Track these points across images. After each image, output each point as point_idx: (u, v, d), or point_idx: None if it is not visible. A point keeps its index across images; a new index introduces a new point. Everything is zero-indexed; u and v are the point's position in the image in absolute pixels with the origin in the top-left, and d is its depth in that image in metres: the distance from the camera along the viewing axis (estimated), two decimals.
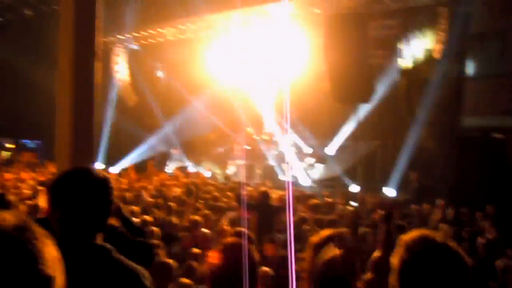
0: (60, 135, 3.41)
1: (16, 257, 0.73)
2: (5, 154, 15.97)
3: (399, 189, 11.44)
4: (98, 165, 13.02)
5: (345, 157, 13.14)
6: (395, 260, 1.31)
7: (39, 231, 0.78)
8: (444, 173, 10.96)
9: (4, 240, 0.72)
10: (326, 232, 2.23)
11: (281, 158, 14.35)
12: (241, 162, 15.04)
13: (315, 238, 2.24)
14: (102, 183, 1.60)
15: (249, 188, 10.55)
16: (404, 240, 1.32)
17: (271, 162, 14.66)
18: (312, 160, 14.58)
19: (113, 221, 2.30)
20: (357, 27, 10.34)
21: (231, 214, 6.71)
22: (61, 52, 3.42)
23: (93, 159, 3.36)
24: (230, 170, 14.57)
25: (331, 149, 14.33)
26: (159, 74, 16.77)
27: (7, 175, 10.31)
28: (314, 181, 13.38)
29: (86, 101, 3.38)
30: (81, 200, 1.55)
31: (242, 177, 14.22)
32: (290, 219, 4.28)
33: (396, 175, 11.60)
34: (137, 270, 1.56)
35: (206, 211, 6.58)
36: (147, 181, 11.26)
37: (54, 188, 1.59)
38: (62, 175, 1.62)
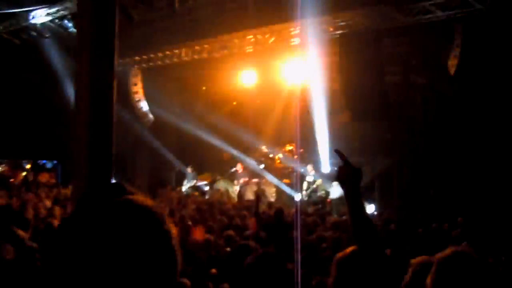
0: (77, 154, 3.43)
1: (156, 230, 0.90)
2: (23, 174, 16.17)
3: (416, 207, 11.25)
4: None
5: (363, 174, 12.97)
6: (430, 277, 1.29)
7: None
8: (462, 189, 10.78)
9: (149, 216, 0.91)
10: (350, 249, 2.19)
11: (297, 177, 14.26)
12: (255, 180, 15.00)
13: (340, 255, 2.21)
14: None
15: (263, 207, 10.49)
16: (438, 257, 1.30)
17: (287, 181, 14.59)
18: (328, 178, 14.46)
19: None
20: (371, 44, 10.36)
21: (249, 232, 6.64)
22: (79, 70, 3.47)
23: (110, 178, 3.37)
24: (243, 189, 14.52)
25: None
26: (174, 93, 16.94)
27: (26, 195, 10.42)
28: (332, 199, 13.24)
29: (104, 118, 3.40)
30: None
31: (255, 196, 14.16)
32: (297, 236, 4.23)
33: (413, 193, 11.44)
34: None
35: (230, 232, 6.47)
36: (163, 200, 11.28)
37: None
38: None
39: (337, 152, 2.09)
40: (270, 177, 15.24)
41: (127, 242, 0.86)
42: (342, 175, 2.01)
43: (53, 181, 16.20)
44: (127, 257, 0.85)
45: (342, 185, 2.01)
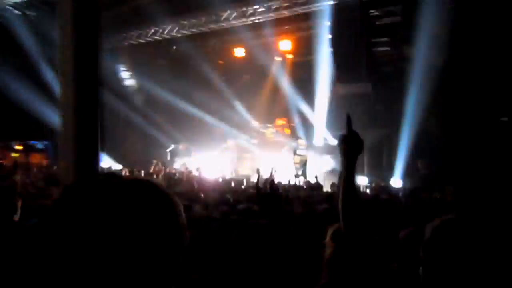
0: (65, 133, 3.42)
1: (167, 208, 0.97)
2: (14, 155, 16.07)
3: (406, 177, 11.40)
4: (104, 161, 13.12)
5: None
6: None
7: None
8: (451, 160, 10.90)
9: (161, 196, 0.97)
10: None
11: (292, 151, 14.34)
12: (247, 155, 15.07)
13: (332, 226, 2.24)
14: None
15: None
16: (429, 226, 1.32)
17: (280, 155, 14.67)
18: (320, 151, 14.58)
19: None
20: (360, 15, 10.33)
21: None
22: (62, 48, 3.42)
23: (98, 155, 3.37)
24: (235, 165, 14.59)
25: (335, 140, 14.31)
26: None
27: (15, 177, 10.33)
28: (324, 172, 13.37)
29: (91, 98, 3.38)
30: None
31: (250, 172, 14.26)
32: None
33: (402, 164, 11.56)
34: None
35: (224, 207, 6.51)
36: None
37: None
38: None
39: (348, 118, 2.00)
40: (262, 152, 15.33)
41: (141, 219, 0.92)
42: (346, 143, 1.94)
43: (45, 161, 16.14)
44: (142, 233, 0.91)
45: (343, 153, 1.93)
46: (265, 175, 11.74)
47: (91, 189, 0.94)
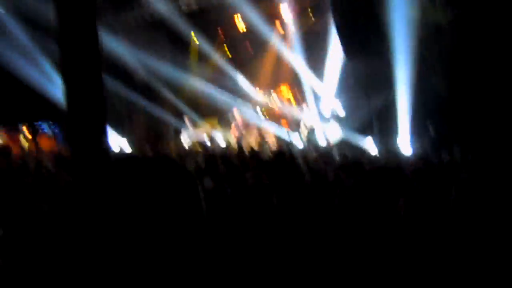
0: (71, 115, 3.39)
1: (187, 181, 1.08)
2: (22, 139, 16.05)
3: (416, 140, 11.33)
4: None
5: (360, 113, 12.98)
6: None
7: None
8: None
9: (183, 171, 1.11)
10: None
11: (297, 122, 14.27)
12: (253, 127, 15.01)
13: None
14: None
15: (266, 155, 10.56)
16: None
17: (285, 125, 14.62)
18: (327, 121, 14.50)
19: None
20: None
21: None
22: (61, 29, 3.35)
23: (106, 136, 3.35)
24: (242, 138, 14.55)
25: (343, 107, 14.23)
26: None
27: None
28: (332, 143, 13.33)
29: (94, 77, 3.33)
30: None
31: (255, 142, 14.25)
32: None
33: (411, 126, 11.49)
34: None
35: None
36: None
37: None
38: None
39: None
40: (268, 123, 15.26)
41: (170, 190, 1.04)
42: None
43: (54, 144, 16.16)
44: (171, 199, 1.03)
45: None
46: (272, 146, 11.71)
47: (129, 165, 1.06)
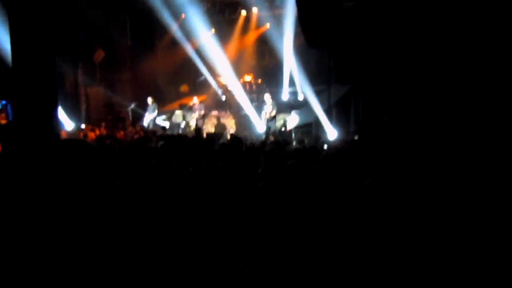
0: (20, 92, 3.27)
1: (97, 160, 1.21)
2: None
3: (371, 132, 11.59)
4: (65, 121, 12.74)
5: (321, 102, 13.16)
6: None
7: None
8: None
9: (91, 150, 1.23)
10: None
11: (259, 108, 14.27)
12: (214, 113, 14.93)
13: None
14: None
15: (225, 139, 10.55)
16: None
17: (248, 112, 14.59)
18: (287, 107, 14.62)
19: None
20: None
21: None
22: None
23: (56, 114, 3.24)
24: (201, 122, 14.44)
25: (304, 95, 14.40)
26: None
27: None
28: (291, 128, 13.46)
29: (46, 57, 3.22)
30: None
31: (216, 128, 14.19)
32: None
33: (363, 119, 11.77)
34: None
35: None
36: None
37: None
38: None
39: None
40: (229, 109, 15.23)
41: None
42: None
43: (4, 121, 15.48)
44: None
45: None
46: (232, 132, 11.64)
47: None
